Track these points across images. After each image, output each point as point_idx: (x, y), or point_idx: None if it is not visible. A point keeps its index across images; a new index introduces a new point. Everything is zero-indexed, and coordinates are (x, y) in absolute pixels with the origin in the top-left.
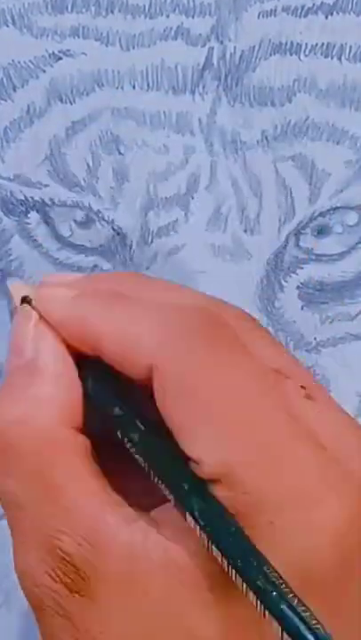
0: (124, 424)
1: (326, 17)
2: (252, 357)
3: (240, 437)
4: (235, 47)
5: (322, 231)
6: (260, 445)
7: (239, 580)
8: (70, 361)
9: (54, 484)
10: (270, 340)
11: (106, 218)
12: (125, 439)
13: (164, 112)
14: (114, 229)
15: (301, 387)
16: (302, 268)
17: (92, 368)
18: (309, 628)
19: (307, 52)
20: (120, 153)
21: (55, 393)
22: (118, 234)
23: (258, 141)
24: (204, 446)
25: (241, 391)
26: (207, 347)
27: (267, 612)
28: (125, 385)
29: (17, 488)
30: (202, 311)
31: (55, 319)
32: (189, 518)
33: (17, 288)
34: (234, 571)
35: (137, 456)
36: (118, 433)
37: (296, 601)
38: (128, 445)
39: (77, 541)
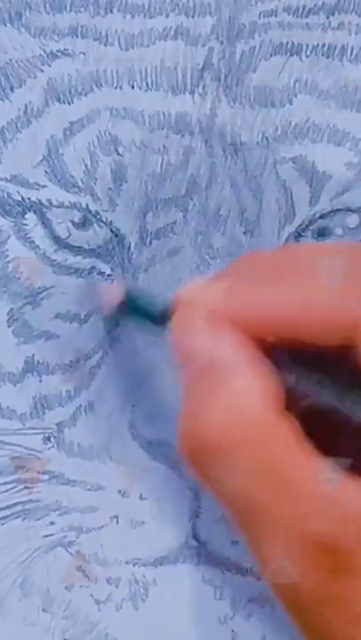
0: (339, 395)
1: (328, 17)
2: None
3: None
4: (235, 47)
5: (322, 233)
6: None
7: None
8: (255, 349)
9: (284, 472)
10: None
11: (104, 219)
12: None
13: (163, 113)
14: (112, 231)
15: None
16: None
17: (275, 351)
18: None
19: (308, 53)
20: (118, 154)
21: (254, 382)
22: (116, 235)
23: (258, 143)
24: None
25: None
26: None
27: None
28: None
29: (245, 487)
30: None
31: (219, 315)
32: None
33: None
34: None
35: None
36: (335, 405)
37: None
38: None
39: (329, 520)
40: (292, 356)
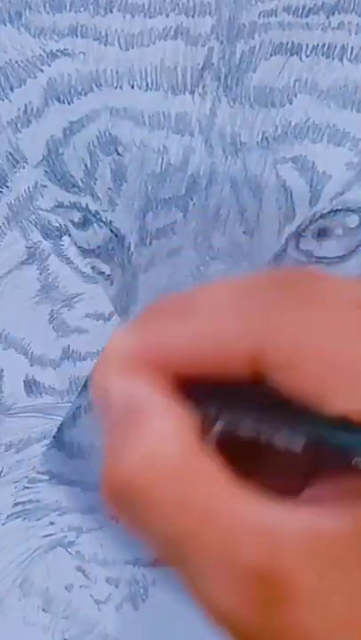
0: (259, 422)
1: (328, 17)
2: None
3: None
4: (235, 47)
5: (322, 234)
6: None
7: None
8: (170, 388)
9: (205, 505)
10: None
11: (103, 219)
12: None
13: (163, 112)
14: (112, 231)
15: None
16: None
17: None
18: None
19: (308, 53)
20: (118, 154)
21: (168, 422)
22: (116, 235)
23: (258, 143)
24: (353, 395)
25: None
26: (305, 305)
27: None
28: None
29: (169, 526)
30: (271, 278)
31: (132, 359)
32: None
33: None
34: None
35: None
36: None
37: None
38: (271, 438)
39: (259, 550)
40: (211, 389)
